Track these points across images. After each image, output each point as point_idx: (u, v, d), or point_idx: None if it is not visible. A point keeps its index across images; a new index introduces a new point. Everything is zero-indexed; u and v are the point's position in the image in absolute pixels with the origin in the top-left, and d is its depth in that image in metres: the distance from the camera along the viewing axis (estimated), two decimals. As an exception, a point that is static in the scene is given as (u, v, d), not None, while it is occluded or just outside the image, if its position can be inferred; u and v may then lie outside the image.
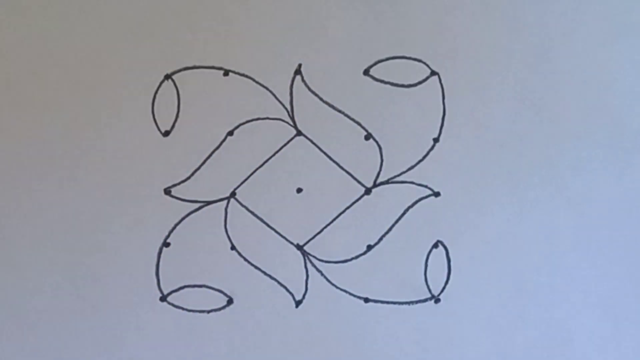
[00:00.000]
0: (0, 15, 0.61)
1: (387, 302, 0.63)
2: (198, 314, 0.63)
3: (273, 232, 0.63)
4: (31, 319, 0.62)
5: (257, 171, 0.62)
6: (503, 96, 0.62)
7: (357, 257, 0.63)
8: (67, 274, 0.62)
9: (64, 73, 0.61)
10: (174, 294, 0.63)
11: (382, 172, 0.62)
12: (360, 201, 0.63)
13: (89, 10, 0.61)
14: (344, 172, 0.62)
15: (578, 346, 0.64)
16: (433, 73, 0.62)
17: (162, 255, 0.62)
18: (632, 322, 0.64)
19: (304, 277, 0.63)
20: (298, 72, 0.61)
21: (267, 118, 0.62)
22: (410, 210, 0.63)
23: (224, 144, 0.62)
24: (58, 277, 0.62)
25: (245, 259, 0.63)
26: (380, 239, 0.63)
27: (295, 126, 0.62)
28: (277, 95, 0.61)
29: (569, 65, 0.62)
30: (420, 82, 0.62)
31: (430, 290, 0.63)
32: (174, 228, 0.62)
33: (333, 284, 0.63)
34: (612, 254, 0.64)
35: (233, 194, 0.62)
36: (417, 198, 0.63)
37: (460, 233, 0.63)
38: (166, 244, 0.62)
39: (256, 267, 0.63)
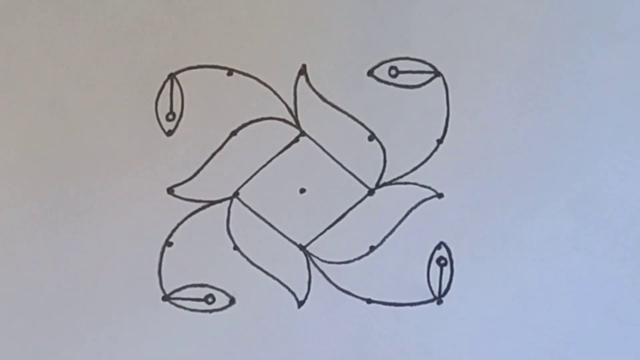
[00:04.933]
0: (1, 14, 0.61)
1: (390, 303, 0.63)
2: (200, 313, 0.63)
3: (276, 232, 0.62)
4: (31, 319, 0.62)
5: (260, 171, 0.62)
6: (507, 97, 0.62)
7: (359, 257, 0.63)
8: (69, 273, 0.62)
9: (68, 72, 0.61)
10: (176, 294, 0.63)
11: (385, 173, 0.62)
12: (363, 202, 0.62)
13: (92, 9, 0.60)
14: (347, 173, 0.62)
15: (580, 348, 0.64)
16: (437, 74, 0.61)
17: (164, 254, 0.62)
18: (634, 324, 0.64)
19: (307, 278, 0.63)
20: (302, 72, 0.61)
21: (271, 118, 0.62)
22: (414, 211, 0.63)
23: (227, 143, 0.62)
24: (59, 276, 0.62)
25: (248, 259, 0.62)
26: (383, 240, 0.63)
27: (298, 126, 0.62)
28: (281, 96, 0.61)
29: (572, 67, 0.62)
30: (424, 83, 0.62)
31: (432, 292, 0.63)
32: (176, 227, 0.62)
33: (335, 285, 0.63)
34: (615, 256, 0.64)
35: (236, 194, 0.62)
36: (420, 199, 0.62)
37: (463, 234, 0.63)
38: (169, 244, 0.62)
39: (259, 267, 0.63)
